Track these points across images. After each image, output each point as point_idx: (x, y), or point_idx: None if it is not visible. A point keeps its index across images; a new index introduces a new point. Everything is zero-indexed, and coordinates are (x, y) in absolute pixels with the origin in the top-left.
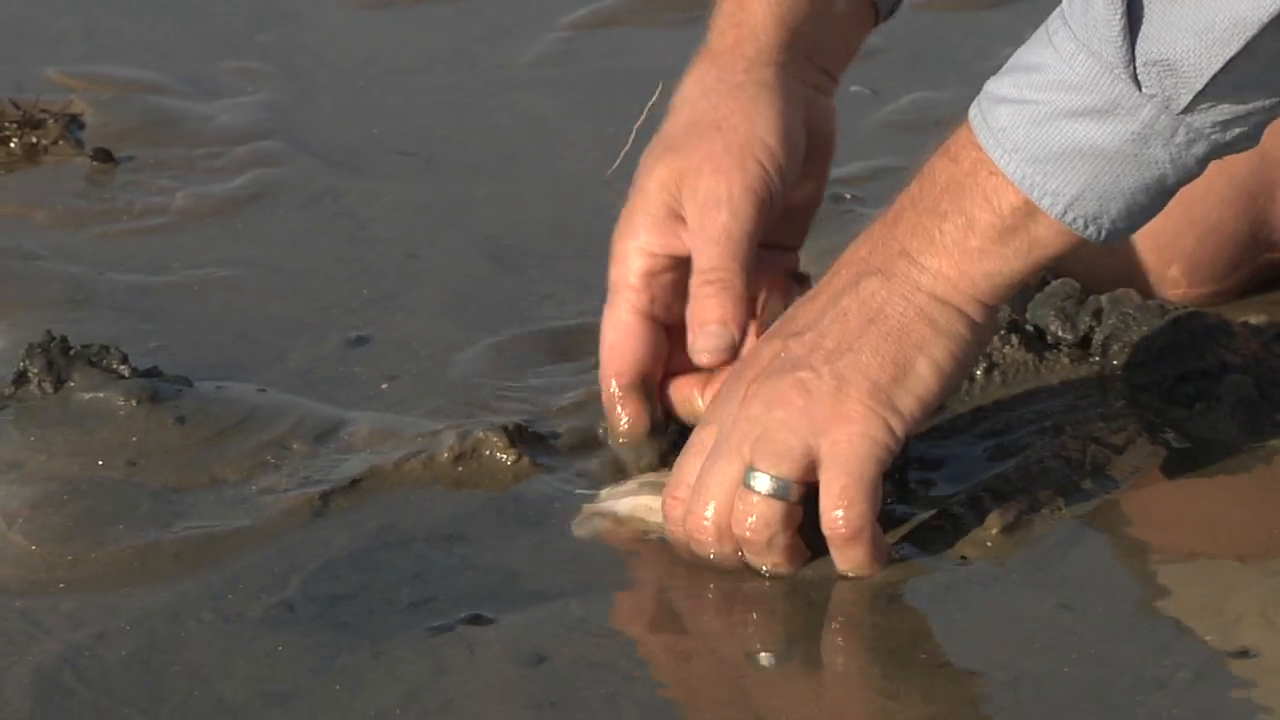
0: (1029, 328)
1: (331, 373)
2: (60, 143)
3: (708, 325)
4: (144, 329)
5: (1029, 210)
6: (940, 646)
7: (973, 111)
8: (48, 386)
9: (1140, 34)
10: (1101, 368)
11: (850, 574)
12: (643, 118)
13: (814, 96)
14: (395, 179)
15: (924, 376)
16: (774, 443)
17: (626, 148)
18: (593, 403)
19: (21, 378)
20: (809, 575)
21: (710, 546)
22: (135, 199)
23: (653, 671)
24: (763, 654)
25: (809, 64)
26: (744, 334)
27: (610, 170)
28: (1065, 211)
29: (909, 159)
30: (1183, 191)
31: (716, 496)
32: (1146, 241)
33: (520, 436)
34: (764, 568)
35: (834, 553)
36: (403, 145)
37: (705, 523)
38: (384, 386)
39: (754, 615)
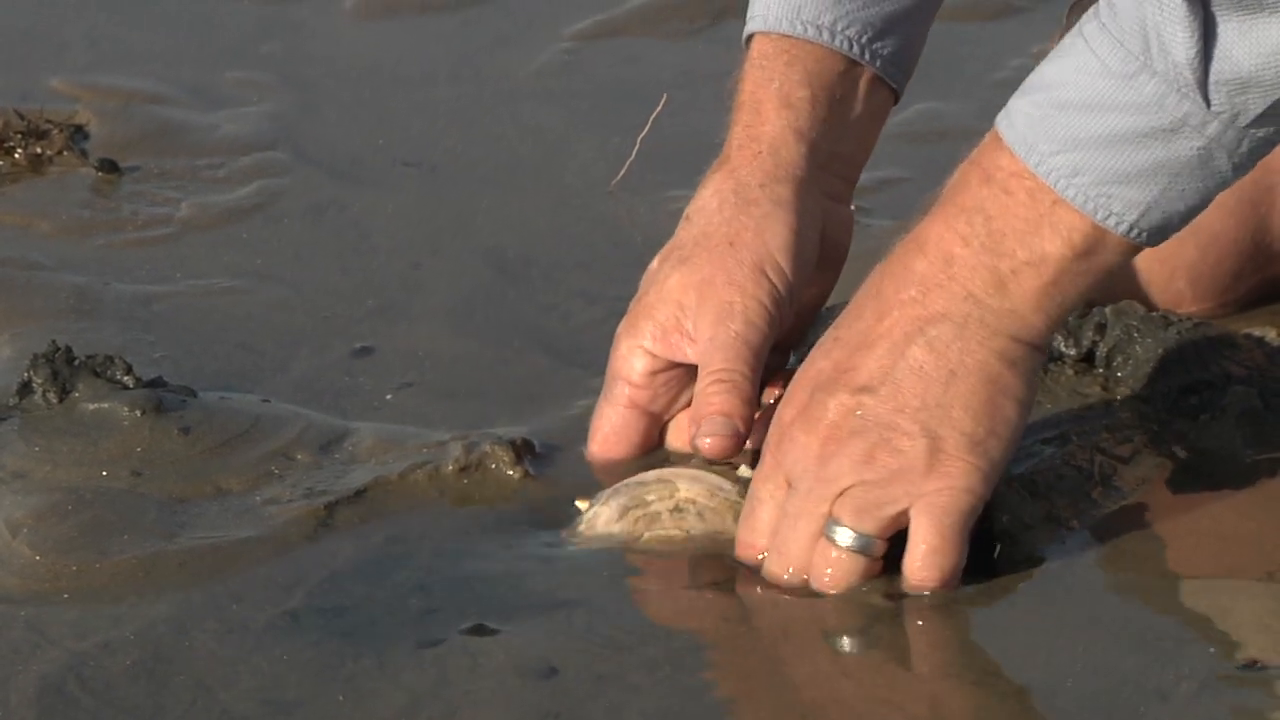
0: None
1: (336, 383)
2: (65, 153)
3: (713, 416)
4: (148, 339)
5: (1098, 234)
6: (945, 656)
7: (1009, 134)
8: (52, 397)
9: (1215, 55)
10: (1106, 379)
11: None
12: (646, 129)
13: (831, 207)
14: (399, 189)
15: (1012, 419)
16: (862, 500)
17: (631, 159)
18: None
19: (26, 388)
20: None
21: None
22: (140, 209)
23: (656, 682)
24: (769, 663)
25: (826, 173)
26: (749, 433)
27: (614, 182)
28: (1131, 229)
29: (916, 170)
30: None
31: (796, 556)
32: (1149, 254)
33: (525, 449)
34: None
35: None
36: (407, 156)
37: (783, 579)
38: (388, 397)
39: (759, 625)
